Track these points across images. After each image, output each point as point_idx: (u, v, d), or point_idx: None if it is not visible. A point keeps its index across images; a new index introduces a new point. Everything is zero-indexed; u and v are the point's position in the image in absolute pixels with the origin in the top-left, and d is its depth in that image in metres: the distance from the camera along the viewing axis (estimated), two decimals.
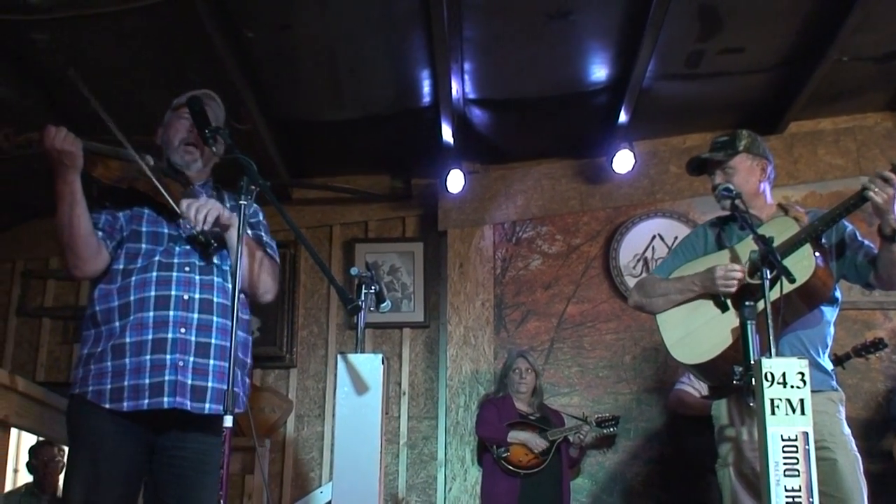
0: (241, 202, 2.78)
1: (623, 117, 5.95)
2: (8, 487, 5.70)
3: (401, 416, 6.50)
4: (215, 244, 3.08)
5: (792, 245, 3.41)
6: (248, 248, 3.10)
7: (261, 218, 3.37)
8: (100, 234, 3.01)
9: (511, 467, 5.52)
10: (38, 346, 6.99)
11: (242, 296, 3.13)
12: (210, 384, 2.95)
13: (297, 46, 5.28)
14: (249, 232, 3.20)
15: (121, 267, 3.03)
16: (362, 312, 3.20)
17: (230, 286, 3.09)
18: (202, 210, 2.99)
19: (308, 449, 6.56)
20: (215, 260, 3.12)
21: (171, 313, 2.95)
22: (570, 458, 5.75)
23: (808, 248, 3.40)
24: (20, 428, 3.54)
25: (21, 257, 7.17)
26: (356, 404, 2.98)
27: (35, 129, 2.91)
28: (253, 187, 2.82)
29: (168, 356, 2.91)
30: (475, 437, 5.99)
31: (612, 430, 5.88)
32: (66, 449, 3.10)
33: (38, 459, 6.12)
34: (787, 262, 3.20)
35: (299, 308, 6.84)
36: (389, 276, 6.66)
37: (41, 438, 5.76)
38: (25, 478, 6.60)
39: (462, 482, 6.15)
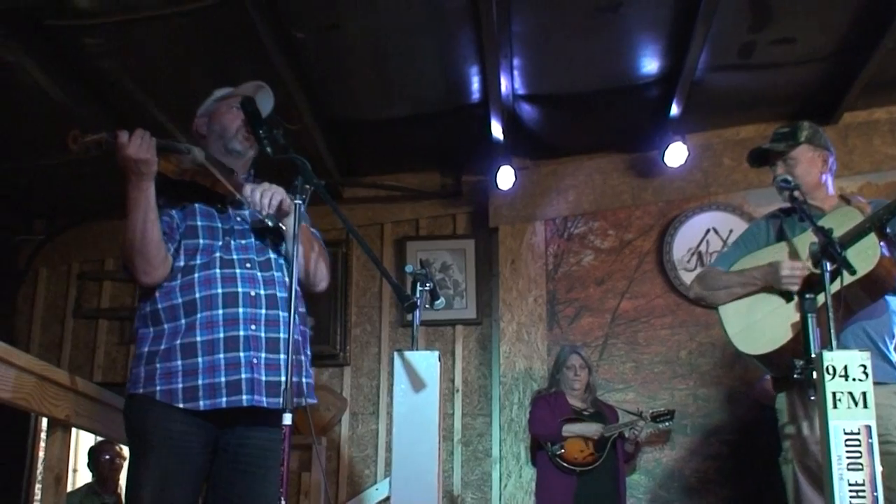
0: (295, 201, 2.77)
1: (675, 110, 5.89)
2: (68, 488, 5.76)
3: (455, 412, 6.49)
4: (283, 227, 3.07)
5: (856, 235, 3.36)
6: (306, 239, 3.11)
7: (303, 210, 3.36)
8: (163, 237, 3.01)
9: (566, 464, 5.47)
10: (94, 348, 7.08)
11: (299, 289, 3.13)
12: (283, 378, 2.94)
13: (347, 45, 5.28)
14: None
15: (181, 264, 3.01)
16: (418, 310, 3.18)
17: (288, 280, 3.09)
18: (266, 194, 3.00)
19: (363, 446, 6.57)
20: (271, 254, 3.12)
21: (241, 310, 2.95)
22: (626, 453, 5.70)
23: (872, 237, 3.34)
24: (81, 428, 3.58)
25: (77, 259, 7.27)
26: (413, 402, 2.96)
27: (102, 131, 2.89)
28: (308, 187, 2.81)
29: (242, 354, 2.91)
30: (529, 434, 5.95)
31: (667, 424, 5.81)
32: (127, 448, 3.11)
33: (101, 459, 6.17)
34: (851, 252, 3.15)
35: (352, 306, 6.85)
36: (441, 273, 6.65)
37: (101, 438, 5.81)
38: (83, 478, 6.68)
39: (517, 479, 6.12)
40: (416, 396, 2.96)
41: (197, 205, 3.10)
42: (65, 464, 3.43)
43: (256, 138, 3.00)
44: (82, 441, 6.55)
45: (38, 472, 6.67)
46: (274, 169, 3.25)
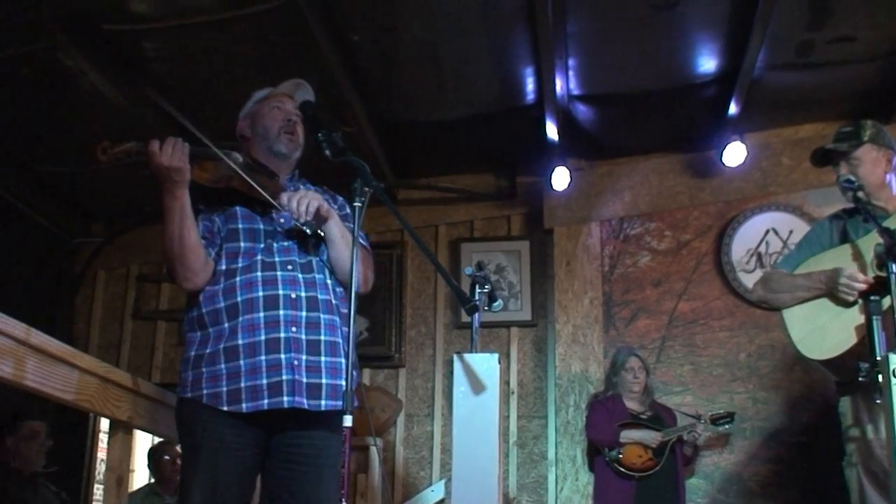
0: (355, 204, 2.77)
1: (733, 109, 5.82)
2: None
3: (510, 415, 6.47)
4: (321, 233, 3.09)
5: None
6: (347, 241, 3.10)
7: (347, 210, 3.33)
8: (202, 242, 3.02)
9: (625, 470, 5.41)
10: (153, 349, 7.17)
11: (341, 290, 3.15)
12: (323, 381, 2.95)
13: (402, 48, 5.31)
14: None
15: (223, 268, 3.03)
16: (477, 313, 3.18)
17: (330, 282, 3.11)
18: (303, 201, 3.00)
19: (418, 448, 6.58)
20: (312, 256, 3.12)
21: (281, 313, 2.96)
22: (685, 457, 5.64)
23: None
24: (142, 429, 3.61)
25: (135, 261, 7.36)
26: (473, 404, 2.96)
27: (133, 140, 2.92)
28: (367, 189, 2.81)
29: (283, 356, 2.91)
30: (585, 437, 5.91)
31: (726, 427, 5.75)
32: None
33: (161, 459, 6.23)
34: None
35: (407, 308, 6.87)
36: (496, 275, 6.64)
37: (161, 439, 5.87)
38: (140, 478, 6.76)
39: (573, 482, 6.09)
40: (475, 399, 2.95)
41: (238, 208, 3.11)
42: (126, 465, 3.47)
43: (315, 141, 3.00)
44: (138, 442, 6.62)
45: (97, 472, 6.79)
46: (331, 171, 3.27)
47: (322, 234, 3.10)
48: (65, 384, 2.86)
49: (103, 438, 6.82)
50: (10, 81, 5.32)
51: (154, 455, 6.32)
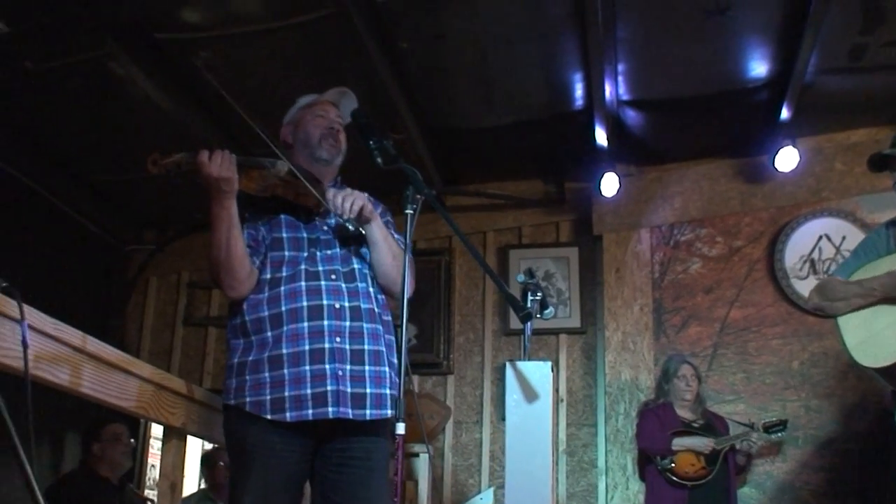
0: (406, 211, 2.79)
1: (785, 114, 5.76)
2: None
3: (559, 423, 6.45)
4: (364, 232, 3.11)
5: None
6: (389, 245, 3.13)
7: (389, 218, 3.36)
8: (247, 250, 3.05)
9: (677, 479, 5.36)
10: (204, 355, 7.25)
11: (383, 297, 3.17)
12: (368, 390, 2.97)
13: (450, 54, 5.32)
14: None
15: (267, 276, 3.06)
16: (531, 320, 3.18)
17: (372, 290, 3.13)
18: (348, 199, 3.04)
19: (467, 455, 6.59)
20: (356, 264, 3.14)
21: (326, 323, 2.98)
22: (737, 466, 5.58)
23: None
24: (196, 435, 3.64)
25: (186, 268, 7.45)
26: (526, 412, 2.96)
27: (182, 150, 2.97)
28: (418, 196, 2.82)
29: (327, 366, 2.93)
30: (636, 446, 5.87)
31: (780, 435, 5.69)
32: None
33: (216, 465, 6.27)
34: None
35: (455, 315, 6.88)
36: (544, 281, 6.61)
37: (214, 445, 5.91)
38: (192, 484, 6.80)
39: (624, 491, 6.06)
40: (528, 407, 2.95)
41: (283, 216, 3.15)
42: (180, 471, 3.50)
43: (367, 149, 3.02)
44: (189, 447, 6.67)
45: (147, 478, 6.86)
46: (382, 179, 3.29)
47: (363, 233, 3.12)
48: (120, 391, 2.89)
49: (154, 444, 6.90)
50: (63, 90, 5.41)
51: (207, 460, 6.36)
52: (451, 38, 5.12)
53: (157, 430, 6.75)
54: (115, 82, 5.31)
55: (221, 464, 6.19)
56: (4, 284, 1.80)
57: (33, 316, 2.28)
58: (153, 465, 6.92)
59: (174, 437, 3.46)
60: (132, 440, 5.36)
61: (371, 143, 3.00)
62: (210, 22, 4.91)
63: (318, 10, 4.75)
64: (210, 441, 5.14)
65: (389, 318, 3.21)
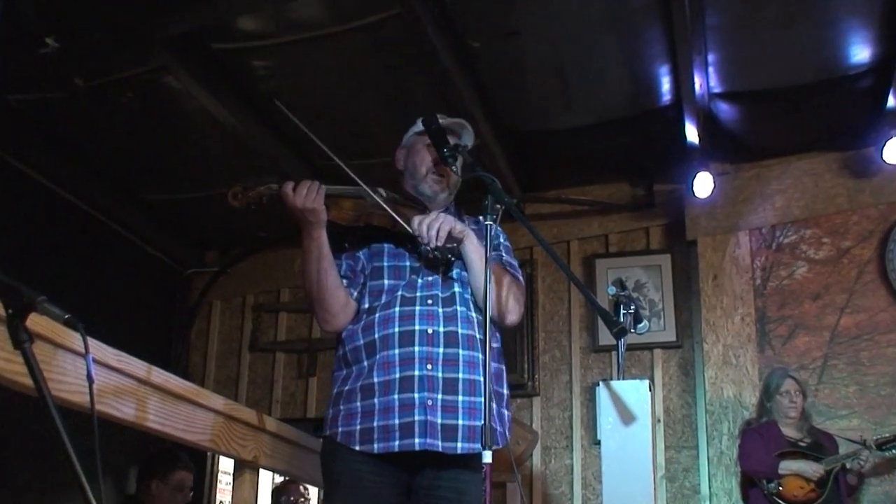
0: (486, 222, 2.79)
1: (892, 101, 5.66)
2: None
3: (657, 445, 6.38)
4: (453, 258, 3.13)
5: None
6: (493, 271, 3.10)
7: (502, 239, 3.38)
8: (344, 282, 3.11)
9: (785, 503, 5.29)
10: (272, 382, 7.33)
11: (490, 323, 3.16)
12: (460, 422, 2.98)
13: (524, 52, 5.33)
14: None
15: (366, 306, 3.12)
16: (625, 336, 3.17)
17: (473, 315, 3.13)
18: (434, 225, 3.04)
19: (556, 483, 6.56)
20: (456, 288, 3.15)
21: (416, 349, 3.00)
22: (849, 486, 5.48)
23: None
24: (269, 469, 3.69)
25: (252, 291, 7.56)
26: (623, 436, 2.94)
27: (266, 183, 3.02)
28: (498, 206, 2.82)
29: (416, 395, 2.95)
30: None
31: (894, 451, 5.57)
32: (316, 490, 3.20)
33: (285, 498, 6.33)
34: None
35: (539, 331, 6.87)
36: (635, 292, 6.54)
37: (285, 477, 5.97)
38: None
39: None
40: (625, 430, 2.93)
41: (385, 245, 3.19)
42: None
43: (441, 157, 3.04)
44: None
45: None
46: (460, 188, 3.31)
47: (452, 258, 3.13)
48: (188, 424, 2.93)
49: (222, 478, 6.99)
50: (116, 107, 5.55)
51: (276, 495, 6.42)
52: (525, 34, 5.13)
53: (224, 462, 6.84)
54: (170, 97, 5.44)
55: (291, 499, 6.25)
56: (67, 316, 1.84)
57: (96, 348, 2.33)
58: (221, 502, 7.00)
59: (246, 471, 3.51)
60: (192, 492, 5.40)
61: (445, 151, 3.02)
62: (269, 29, 5.01)
63: (382, 11, 4.80)
64: (283, 475, 5.20)
65: (498, 345, 3.22)
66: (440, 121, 3.23)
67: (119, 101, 5.48)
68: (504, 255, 3.32)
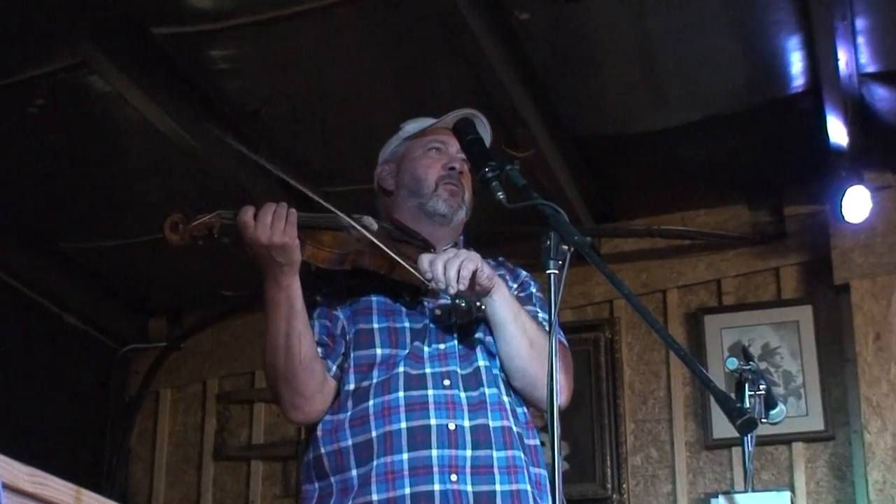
0: (550, 271, 2.68)
1: None
2: None
3: None
4: (481, 306, 3.07)
5: None
6: (523, 327, 3.09)
7: (534, 289, 3.36)
8: (319, 351, 3.04)
9: None
10: (247, 503, 7.26)
11: (525, 409, 3.16)
12: None
13: (591, 25, 5.30)
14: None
15: (350, 387, 3.05)
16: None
17: (508, 399, 3.09)
18: (452, 264, 2.93)
19: None
20: (481, 360, 3.11)
21: (435, 453, 2.93)
22: None
23: None
24: None
25: (215, 374, 7.54)
26: None
27: (217, 210, 2.92)
28: (564, 247, 2.72)
29: None
30: None
31: None
32: None
33: None
34: None
35: (625, 421, 6.79)
36: (764, 362, 6.48)
37: None
38: None
39: None
40: None
41: (374, 297, 3.16)
42: None
43: (482, 179, 2.96)
44: None
45: None
46: (503, 220, 3.25)
47: (476, 313, 3.10)
48: None
49: None
50: (21, 118, 5.52)
51: None
52: (592, 3, 5.09)
53: None
54: (95, 102, 5.43)
55: None
56: None
57: (3, 466, 2.27)
58: None
59: None
60: None
61: (486, 171, 2.94)
62: (229, 6, 4.96)
63: None
64: None
65: (537, 441, 3.16)
66: (444, 118, 3.28)
67: (25, 110, 5.46)
68: (539, 311, 3.28)
